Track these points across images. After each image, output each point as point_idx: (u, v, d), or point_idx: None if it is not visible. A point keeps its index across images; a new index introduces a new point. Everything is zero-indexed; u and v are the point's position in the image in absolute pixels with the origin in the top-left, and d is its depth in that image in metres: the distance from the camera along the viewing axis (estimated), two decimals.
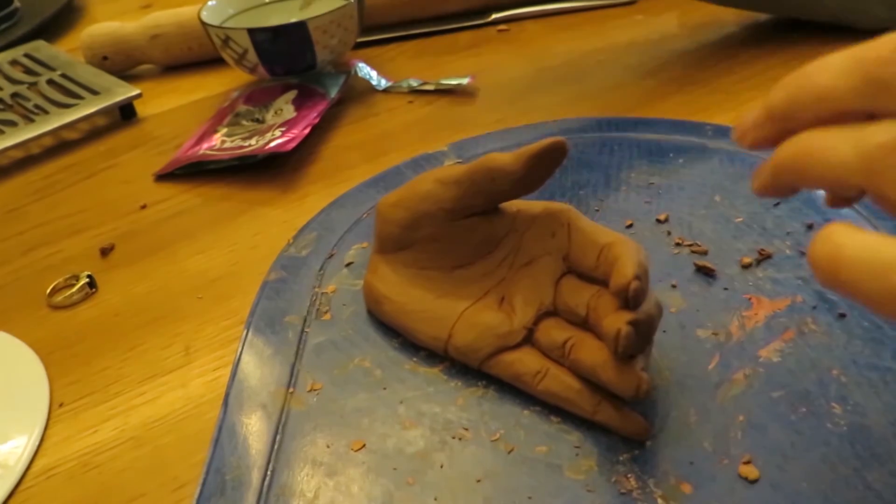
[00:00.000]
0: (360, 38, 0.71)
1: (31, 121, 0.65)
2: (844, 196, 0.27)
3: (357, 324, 0.41)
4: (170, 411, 0.39)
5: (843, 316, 0.38)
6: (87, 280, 0.48)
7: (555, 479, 0.32)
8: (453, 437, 0.35)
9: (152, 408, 0.39)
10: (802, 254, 0.42)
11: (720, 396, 0.35)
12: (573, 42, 0.72)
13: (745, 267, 0.41)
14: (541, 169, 0.37)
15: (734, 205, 0.46)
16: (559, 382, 0.34)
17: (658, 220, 0.45)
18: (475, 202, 0.39)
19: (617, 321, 0.31)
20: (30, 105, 0.68)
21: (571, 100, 0.62)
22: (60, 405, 0.40)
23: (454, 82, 0.65)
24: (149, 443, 0.37)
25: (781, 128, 0.25)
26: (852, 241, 0.22)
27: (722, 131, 0.53)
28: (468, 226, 0.39)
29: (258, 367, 0.39)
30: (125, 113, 0.69)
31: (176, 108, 0.71)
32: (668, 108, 0.58)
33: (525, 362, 0.36)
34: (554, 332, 0.36)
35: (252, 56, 0.63)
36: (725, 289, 0.40)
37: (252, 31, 0.62)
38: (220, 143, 0.59)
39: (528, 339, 0.37)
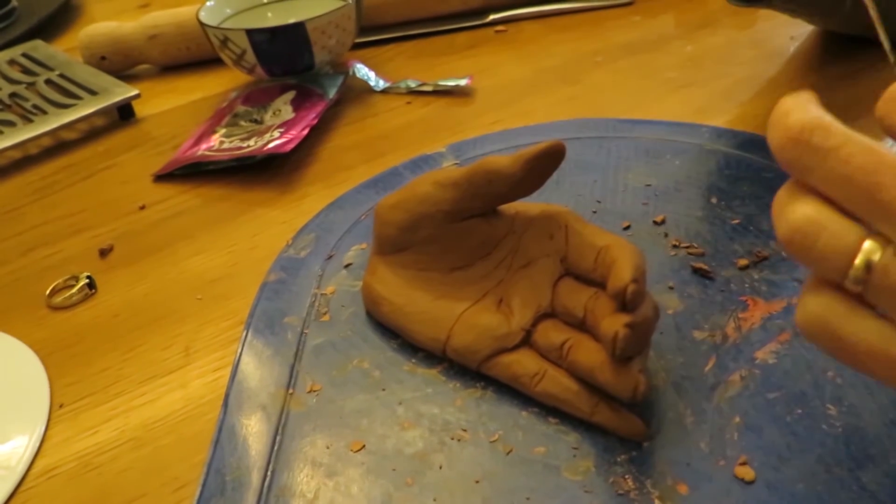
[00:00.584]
0: (358, 38, 0.71)
1: (30, 121, 0.65)
2: None
3: (356, 325, 0.42)
4: (170, 412, 0.39)
5: None
6: (87, 281, 0.48)
7: (553, 480, 0.32)
8: (452, 438, 0.35)
9: (152, 408, 0.40)
10: None
11: (716, 398, 0.35)
12: (571, 43, 0.72)
13: (742, 269, 0.42)
14: (539, 171, 0.37)
15: (731, 207, 0.46)
16: (557, 384, 0.35)
17: (655, 222, 0.46)
18: (474, 204, 0.39)
19: (614, 323, 0.32)
20: (28, 105, 0.68)
21: (569, 101, 0.62)
22: (61, 406, 0.40)
23: (452, 83, 0.65)
24: (149, 443, 0.38)
25: None
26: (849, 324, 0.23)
27: (719, 133, 0.53)
28: (466, 228, 0.40)
29: (258, 368, 0.39)
30: (123, 113, 0.69)
31: (174, 108, 0.71)
32: (665, 110, 0.59)
33: (523, 364, 0.36)
34: (552, 333, 0.36)
35: (250, 56, 0.64)
36: (722, 291, 0.41)
37: (250, 32, 0.62)
38: (218, 143, 0.60)
39: (527, 341, 0.37)
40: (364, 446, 0.35)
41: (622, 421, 0.33)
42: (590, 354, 0.34)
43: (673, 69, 0.65)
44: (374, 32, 0.77)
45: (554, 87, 0.65)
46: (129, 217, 0.55)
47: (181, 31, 0.75)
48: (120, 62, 0.76)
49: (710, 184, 0.48)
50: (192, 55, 0.76)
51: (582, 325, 0.36)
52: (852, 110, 0.55)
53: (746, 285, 0.41)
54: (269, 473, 0.34)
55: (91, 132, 0.68)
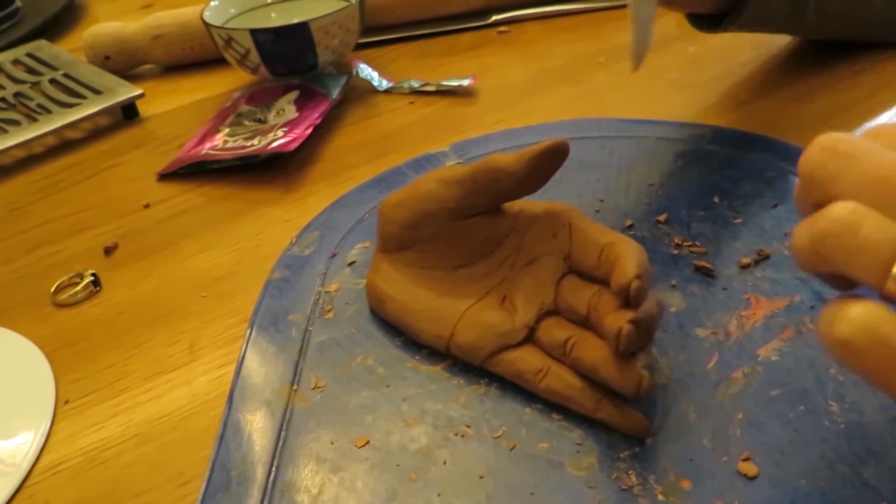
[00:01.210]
0: (362, 39, 0.72)
1: (34, 120, 0.65)
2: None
3: (360, 322, 0.42)
4: (175, 408, 0.39)
5: None
6: (92, 278, 0.48)
7: (556, 476, 0.33)
8: (456, 435, 0.35)
9: (157, 405, 0.40)
10: None
11: (719, 395, 0.35)
12: (573, 44, 0.72)
13: (744, 267, 0.42)
14: (543, 169, 0.38)
15: (733, 206, 0.46)
16: (560, 380, 0.35)
17: (657, 221, 0.46)
18: (478, 202, 0.39)
19: (618, 320, 0.32)
20: (32, 104, 0.68)
21: (571, 101, 0.63)
22: (66, 402, 0.41)
23: (455, 83, 0.65)
24: (154, 439, 0.38)
25: None
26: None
27: (721, 133, 0.53)
28: (470, 226, 0.40)
29: (262, 365, 0.40)
30: (127, 113, 0.69)
31: (178, 108, 0.71)
32: (667, 110, 0.59)
33: (527, 360, 0.36)
34: (555, 330, 0.36)
35: (254, 56, 0.64)
36: (724, 289, 0.41)
37: (254, 32, 0.62)
38: (222, 142, 0.60)
39: (530, 338, 0.37)
40: (368, 442, 0.35)
41: (625, 417, 0.34)
42: (593, 351, 0.34)
43: (675, 70, 0.65)
44: (377, 33, 0.78)
45: (556, 87, 0.65)
46: (134, 215, 0.55)
47: (185, 31, 0.75)
48: (124, 62, 0.76)
49: (712, 183, 0.49)
50: (195, 55, 0.77)
51: (585, 323, 0.36)
52: (853, 111, 0.56)
53: (749, 284, 0.41)
54: (273, 469, 0.34)
55: (95, 131, 0.68)
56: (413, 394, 0.37)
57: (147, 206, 0.56)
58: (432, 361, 0.39)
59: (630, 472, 0.32)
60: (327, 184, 0.56)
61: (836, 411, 0.34)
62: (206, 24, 0.65)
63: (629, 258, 0.33)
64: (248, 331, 0.42)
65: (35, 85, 0.71)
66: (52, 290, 0.48)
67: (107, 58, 0.75)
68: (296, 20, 0.63)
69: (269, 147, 0.57)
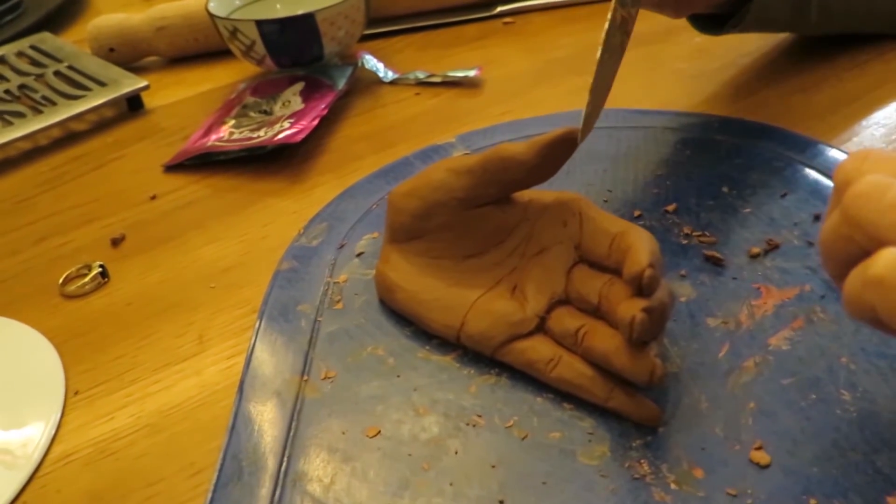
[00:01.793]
0: (367, 30, 0.71)
1: (39, 112, 0.65)
2: None
3: (369, 313, 0.42)
4: (185, 399, 0.39)
5: None
6: (100, 270, 0.48)
7: (569, 465, 0.33)
8: (467, 424, 0.35)
9: (167, 395, 0.40)
10: (810, 244, 0.42)
11: (731, 384, 0.35)
12: (579, 34, 0.72)
13: (754, 257, 0.42)
14: (553, 158, 0.38)
15: (742, 196, 0.46)
16: (572, 369, 0.35)
17: (666, 211, 0.46)
18: (488, 191, 0.39)
19: (631, 308, 0.32)
20: (37, 96, 0.68)
21: (578, 91, 0.62)
22: (76, 393, 0.41)
23: (461, 74, 0.65)
24: (165, 430, 0.38)
25: None
26: None
27: (729, 123, 0.53)
28: (480, 215, 0.40)
29: (272, 356, 0.40)
30: (132, 104, 0.69)
31: (183, 99, 0.71)
32: (674, 100, 0.59)
33: (538, 350, 0.36)
34: (566, 320, 0.36)
35: (260, 48, 0.64)
36: (734, 278, 0.41)
37: (260, 23, 0.62)
38: (228, 134, 0.60)
39: (541, 328, 0.37)
40: (380, 432, 0.35)
41: (637, 406, 0.34)
42: (605, 340, 0.34)
43: (682, 60, 0.65)
44: (382, 24, 0.77)
45: (562, 77, 0.65)
46: (141, 207, 0.55)
47: (189, 22, 0.75)
48: (128, 54, 0.76)
49: (720, 173, 0.48)
50: (200, 47, 0.77)
51: (596, 312, 0.36)
52: (860, 100, 0.56)
53: (759, 273, 0.41)
54: (285, 459, 0.34)
55: (100, 123, 0.68)
56: (424, 384, 0.37)
57: (154, 197, 0.56)
58: (443, 351, 0.39)
59: (642, 460, 0.32)
60: (334, 175, 0.56)
61: (849, 400, 0.34)
62: (211, 16, 0.65)
63: (641, 247, 0.33)
64: (258, 321, 0.42)
65: (39, 77, 0.71)
66: (61, 281, 0.48)
67: (111, 50, 0.75)
68: (301, 11, 0.63)
69: (276, 138, 0.57)
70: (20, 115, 0.65)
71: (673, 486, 0.31)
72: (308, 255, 0.46)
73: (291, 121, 0.59)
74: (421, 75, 0.66)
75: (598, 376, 0.34)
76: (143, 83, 0.68)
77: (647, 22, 0.72)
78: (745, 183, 0.47)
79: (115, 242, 0.52)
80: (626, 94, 0.61)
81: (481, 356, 0.38)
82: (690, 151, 0.51)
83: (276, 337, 0.41)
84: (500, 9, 0.78)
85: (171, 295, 0.46)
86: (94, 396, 0.40)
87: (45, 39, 0.79)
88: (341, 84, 0.64)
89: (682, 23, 0.71)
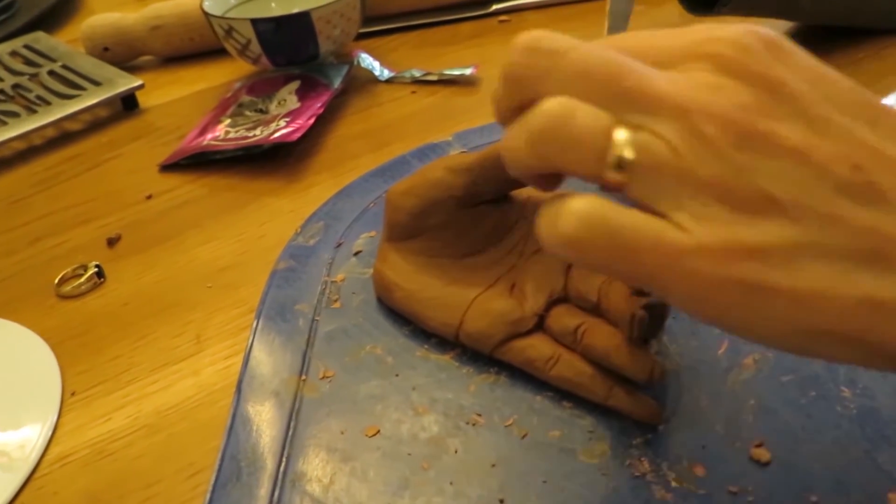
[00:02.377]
0: (363, 28, 0.71)
1: (34, 111, 0.65)
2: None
3: (367, 312, 0.42)
4: (183, 399, 0.39)
5: None
6: (96, 270, 0.48)
7: (569, 463, 0.32)
8: (467, 423, 0.35)
9: (165, 396, 0.40)
10: None
11: (731, 381, 0.35)
12: (574, 32, 0.71)
13: None
14: None
15: None
16: (572, 368, 0.35)
17: None
18: (486, 189, 0.39)
19: (631, 306, 0.32)
20: (31, 96, 0.67)
21: None
22: (72, 394, 0.40)
23: (457, 72, 0.65)
24: (163, 430, 0.38)
25: None
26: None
27: None
28: (478, 213, 0.40)
29: (270, 355, 0.39)
30: (127, 104, 0.69)
31: (178, 99, 0.70)
32: None
33: (537, 348, 0.36)
34: (565, 318, 0.36)
35: (255, 46, 0.63)
36: None
37: (255, 22, 0.62)
38: (224, 133, 0.60)
39: (540, 326, 0.37)
40: (379, 431, 0.35)
41: (637, 404, 0.33)
42: (605, 338, 0.34)
43: None
44: (378, 22, 0.77)
45: None
46: (136, 207, 0.55)
47: (184, 21, 0.75)
48: (123, 53, 0.76)
49: None
50: (195, 46, 0.76)
51: (596, 310, 0.36)
52: None
53: None
54: (284, 459, 0.34)
55: (95, 123, 0.68)
56: (423, 383, 0.37)
57: (149, 197, 0.56)
58: (441, 350, 0.39)
59: (643, 458, 0.32)
60: (331, 174, 0.56)
61: (848, 396, 0.34)
62: (207, 14, 0.64)
63: None
64: (255, 321, 0.42)
65: (34, 77, 0.71)
66: (56, 281, 0.48)
67: (105, 49, 0.75)
68: (296, 10, 0.63)
69: (272, 137, 0.57)
70: (14, 114, 0.65)
71: (674, 483, 0.31)
72: (305, 254, 0.46)
73: (287, 120, 0.59)
74: (417, 74, 0.66)
75: (597, 374, 0.34)
76: (137, 82, 0.68)
77: (642, 20, 0.73)
78: None
79: (111, 242, 0.51)
80: None
81: (480, 355, 0.38)
82: None
83: (273, 336, 0.41)
84: (495, 7, 0.78)
85: (167, 295, 0.46)
86: (91, 397, 0.40)
87: (39, 39, 0.78)
88: (337, 83, 0.64)
89: (679, 21, 0.71)
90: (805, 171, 0.21)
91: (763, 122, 0.21)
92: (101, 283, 0.48)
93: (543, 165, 0.23)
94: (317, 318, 0.42)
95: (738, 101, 0.21)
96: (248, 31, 0.62)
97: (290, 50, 0.64)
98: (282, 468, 0.34)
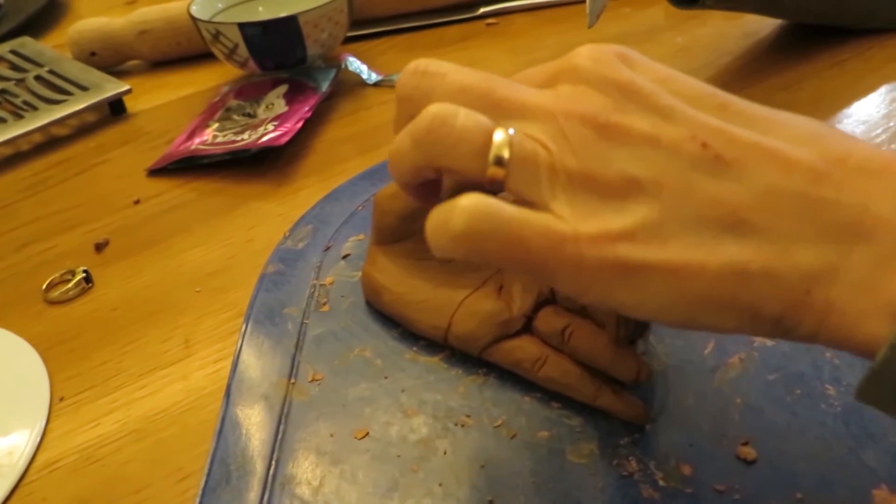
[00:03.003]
0: (350, 32, 0.71)
1: (20, 117, 0.65)
2: None
3: (356, 315, 0.42)
4: (171, 403, 0.39)
5: None
6: (83, 275, 0.48)
7: (557, 463, 0.33)
8: (456, 424, 0.35)
9: (154, 400, 0.39)
10: None
11: (717, 380, 0.35)
12: (562, 35, 0.73)
13: None
14: None
15: None
16: (559, 368, 0.35)
17: None
18: (473, 192, 0.39)
19: None
20: (18, 101, 0.67)
21: None
22: (61, 399, 0.40)
23: None
24: (151, 435, 0.38)
25: None
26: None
27: None
28: None
29: (259, 359, 0.39)
30: (115, 109, 0.69)
31: (165, 103, 0.70)
32: None
33: (525, 349, 0.36)
34: (553, 319, 0.36)
35: (243, 50, 0.63)
36: None
37: (243, 26, 0.62)
38: (212, 137, 0.60)
39: (528, 327, 0.37)
40: (368, 434, 0.35)
41: (625, 404, 0.34)
42: (591, 339, 0.34)
43: (664, 60, 0.64)
44: (365, 26, 0.77)
45: None
46: (124, 211, 0.55)
47: (171, 26, 0.75)
48: (110, 58, 0.76)
49: None
50: (182, 50, 0.76)
51: (583, 311, 0.36)
52: (840, 98, 0.56)
53: None
54: (273, 462, 0.34)
55: (82, 128, 0.67)
56: (412, 385, 0.37)
57: (137, 202, 0.56)
58: (430, 352, 0.39)
59: (630, 458, 0.32)
60: (319, 177, 0.56)
61: (833, 394, 0.34)
62: (194, 19, 0.64)
63: None
64: (244, 325, 0.42)
65: (20, 82, 0.71)
66: (44, 287, 0.48)
67: (92, 54, 0.75)
68: (284, 14, 0.63)
69: (260, 141, 0.57)
70: (1, 120, 0.65)
71: (661, 482, 0.31)
72: (294, 257, 0.46)
73: (275, 123, 0.59)
74: None
75: (585, 375, 0.34)
76: (125, 87, 0.67)
77: (629, 21, 0.73)
78: None
79: (99, 248, 0.51)
80: None
81: (469, 356, 0.38)
82: None
83: (262, 340, 0.41)
84: (482, 10, 0.78)
85: (156, 300, 0.46)
86: (79, 403, 0.40)
87: (26, 44, 0.78)
88: (325, 86, 0.64)
89: (664, 23, 0.72)
90: (659, 153, 0.23)
91: (617, 116, 0.24)
92: (89, 288, 0.48)
93: (428, 164, 0.25)
94: (306, 321, 0.42)
95: (595, 102, 0.24)
96: (236, 36, 0.62)
97: (277, 54, 0.65)
98: (271, 471, 0.34)
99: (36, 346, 0.44)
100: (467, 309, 0.38)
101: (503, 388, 0.36)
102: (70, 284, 0.48)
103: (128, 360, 0.42)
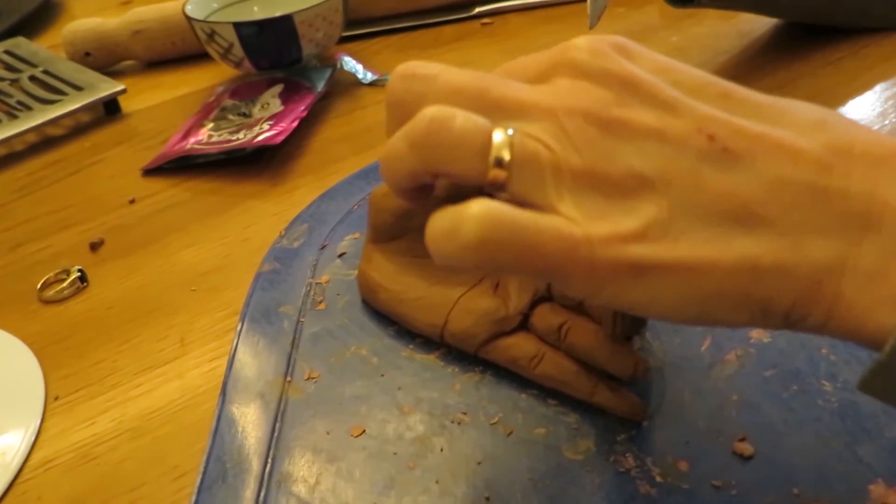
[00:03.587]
0: (345, 31, 0.71)
1: (15, 117, 0.64)
2: None
3: (352, 313, 0.42)
4: (167, 402, 0.39)
5: None
6: (78, 274, 0.48)
7: (554, 460, 0.33)
8: (452, 422, 0.35)
9: (149, 399, 0.39)
10: None
11: (713, 376, 0.35)
12: (557, 34, 0.73)
13: None
14: None
15: None
16: (556, 365, 0.35)
17: None
18: (468, 190, 0.39)
19: None
20: (12, 101, 0.67)
21: None
22: (56, 398, 0.40)
23: None
24: (147, 433, 0.38)
25: None
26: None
27: None
28: None
29: (254, 357, 0.39)
30: (109, 109, 0.68)
31: (160, 103, 0.70)
32: None
33: (521, 347, 0.36)
34: (549, 316, 0.36)
35: (238, 50, 0.63)
36: None
37: (238, 25, 0.62)
38: (207, 137, 0.59)
39: (524, 325, 0.37)
40: (364, 431, 0.35)
41: (621, 401, 0.34)
42: (588, 336, 0.34)
43: None
44: (360, 26, 0.77)
45: None
46: (119, 211, 0.55)
47: (166, 26, 0.75)
48: (104, 58, 0.75)
49: None
50: (177, 50, 0.76)
51: (579, 308, 0.36)
52: (835, 96, 0.56)
53: None
54: (269, 460, 0.34)
55: (77, 128, 0.67)
56: (408, 382, 0.37)
57: (132, 201, 0.56)
58: (426, 350, 0.39)
59: (627, 454, 0.32)
60: (314, 176, 0.56)
61: (829, 390, 0.34)
62: (189, 19, 0.64)
63: None
64: (240, 323, 0.42)
65: (14, 82, 0.70)
66: (39, 286, 0.48)
67: (87, 54, 0.74)
68: (279, 13, 0.63)
69: (255, 140, 0.57)
70: None
71: (658, 479, 0.31)
72: (289, 256, 0.46)
73: (271, 123, 0.59)
74: None
75: (581, 372, 0.34)
76: (119, 87, 0.67)
77: (624, 21, 0.73)
78: None
79: (94, 247, 0.51)
80: None
81: (465, 354, 0.38)
82: None
83: (258, 339, 0.40)
84: (478, 10, 0.78)
85: (151, 299, 0.46)
86: (74, 402, 0.40)
87: (20, 44, 0.78)
88: (320, 86, 0.64)
89: (659, 22, 0.72)
90: (665, 147, 0.23)
91: (619, 111, 0.23)
92: (84, 287, 0.48)
93: (426, 169, 0.24)
94: (301, 319, 0.42)
95: (596, 97, 0.24)
96: (231, 35, 0.62)
97: (272, 53, 0.64)
98: (267, 469, 0.34)
99: (31, 345, 0.43)
100: (463, 306, 0.38)
101: (499, 386, 0.36)
102: (65, 284, 0.47)
103: (123, 359, 0.42)
